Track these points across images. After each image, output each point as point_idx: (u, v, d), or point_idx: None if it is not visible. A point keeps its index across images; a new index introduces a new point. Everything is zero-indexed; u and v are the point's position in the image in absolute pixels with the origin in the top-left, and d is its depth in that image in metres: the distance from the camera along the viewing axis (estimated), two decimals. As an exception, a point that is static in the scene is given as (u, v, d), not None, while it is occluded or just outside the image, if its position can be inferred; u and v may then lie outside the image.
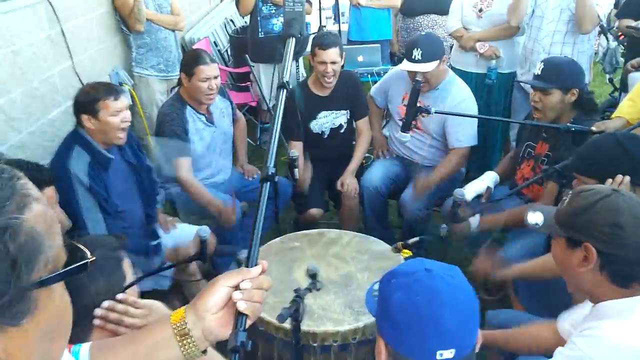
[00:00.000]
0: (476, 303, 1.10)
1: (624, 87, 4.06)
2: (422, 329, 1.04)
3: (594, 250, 1.42)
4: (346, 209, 3.45)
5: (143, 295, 2.55)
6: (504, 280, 2.65)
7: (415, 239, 2.34)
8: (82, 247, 0.66)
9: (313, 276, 1.85)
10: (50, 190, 2.03)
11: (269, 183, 1.20)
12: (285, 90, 1.48)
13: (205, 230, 2.30)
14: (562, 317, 1.78)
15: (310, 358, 2.09)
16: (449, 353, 1.03)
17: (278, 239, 2.74)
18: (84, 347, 1.03)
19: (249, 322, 0.96)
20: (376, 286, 1.23)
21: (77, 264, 0.64)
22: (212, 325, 0.97)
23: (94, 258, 0.66)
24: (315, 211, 3.35)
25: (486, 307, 2.83)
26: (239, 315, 0.95)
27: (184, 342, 0.97)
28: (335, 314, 2.16)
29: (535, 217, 1.62)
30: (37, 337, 0.61)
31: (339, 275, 2.41)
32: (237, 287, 0.98)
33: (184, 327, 0.97)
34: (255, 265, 1.03)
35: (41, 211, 0.61)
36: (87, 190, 2.41)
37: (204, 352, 1.00)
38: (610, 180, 1.91)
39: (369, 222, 3.44)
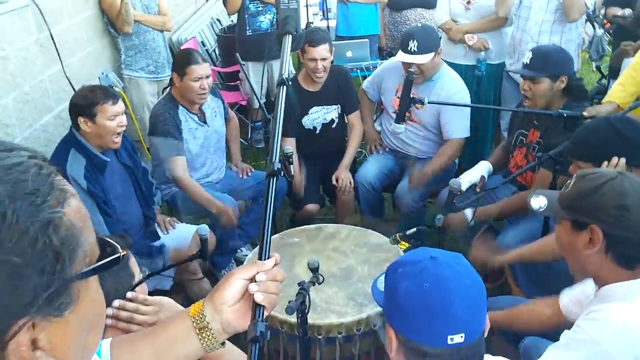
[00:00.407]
0: (483, 288, 1.13)
1: (612, 74, 4.11)
2: (432, 315, 1.06)
3: (600, 232, 1.43)
4: (341, 203, 3.46)
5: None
6: (502, 267, 2.68)
7: (413, 229, 2.35)
8: (112, 241, 0.67)
9: (314, 270, 1.87)
10: None
11: (275, 178, 1.21)
12: (285, 87, 1.50)
13: (205, 229, 2.30)
14: (564, 292, 1.81)
15: (316, 350, 2.11)
16: (460, 337, 1.05)
17: (277, 235, 2.75)
18: (105, 343, 1.04)
19: (265, 313, 0.97)
20: (382, 277, 1.25)
21: (112, 257, 0.66)
22: (229, 317, 0.99)
23: (125, 252, 0.68)
24: (311, 207, 3.37)
25: (487, 294, 2.86)
26: (257, 307, 0.96)
27: (203, 334, 0.98)
28: (338, 306, 2.18)
29: (539, 201, 1.63)
30: (76, 328, 0.63)
31: (339, 269, 2.43)
32: (252, 280, 1.00)
33: (202, 319, 0.98)
34: (268, 258, 1.04)
35: (77, 206, 0.63)
36: (86, 193, 2.41)
37: (223, 344, 1.01)
38: (606, 163, 1.94)
39: (365, 217, 3.46)
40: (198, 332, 0.98)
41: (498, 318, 2.00)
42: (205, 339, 0.98)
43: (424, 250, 1.17)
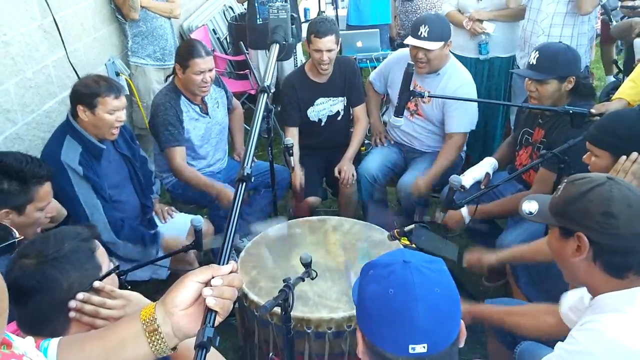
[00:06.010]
0: (455, 297, 1.07)
1: (627, 69, 3.99)
2: (394, 322, 1.02)
3: (586, 240, 1.38)
4: (344, 196, 3.42)
5: (141, 284, 2.53)
6: (504, 267, 2.62)
7: (411, 225, 2.30)
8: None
9: (307, 265, 1.84)
10: (48, 185, 2.04)
11: (244, 183, 1.19)
12: (265, 94, 1.47)
13: (199, 220, 2.29)
14: (563, 300, 1.75)
15: (305, 344, 2.09)
16: (422, 348, 1.01)
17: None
18: (53, 343, 1.02)
19: (218, 319, 0.94)
20: None
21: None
22: (181, 321, 0.96)
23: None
24: (312, 199, 3.33)
25: (487, 295, 2.81)
26: (209, 312, 0.94)
27: (153, 338, 0.96)
28: (331, 302, 2.15)
29: (529, 206, 1.58)
30: None
31: (337, 263, 2.39)
32: (207, 283, 0.97)
33: (153, 323, 0.96)
34: (226, 263, 1.02)
35: None
36: (82, 178, 2.40)
37: (174, 349, 0.99)
38: (624, 157, 1.86)
39: (368, 210, 3.41)
40: (148, 335, 0.96)
41: (492, 315, 1.95)
42: (155, 343, 0.96)
43: (401, 252, 1.14)
